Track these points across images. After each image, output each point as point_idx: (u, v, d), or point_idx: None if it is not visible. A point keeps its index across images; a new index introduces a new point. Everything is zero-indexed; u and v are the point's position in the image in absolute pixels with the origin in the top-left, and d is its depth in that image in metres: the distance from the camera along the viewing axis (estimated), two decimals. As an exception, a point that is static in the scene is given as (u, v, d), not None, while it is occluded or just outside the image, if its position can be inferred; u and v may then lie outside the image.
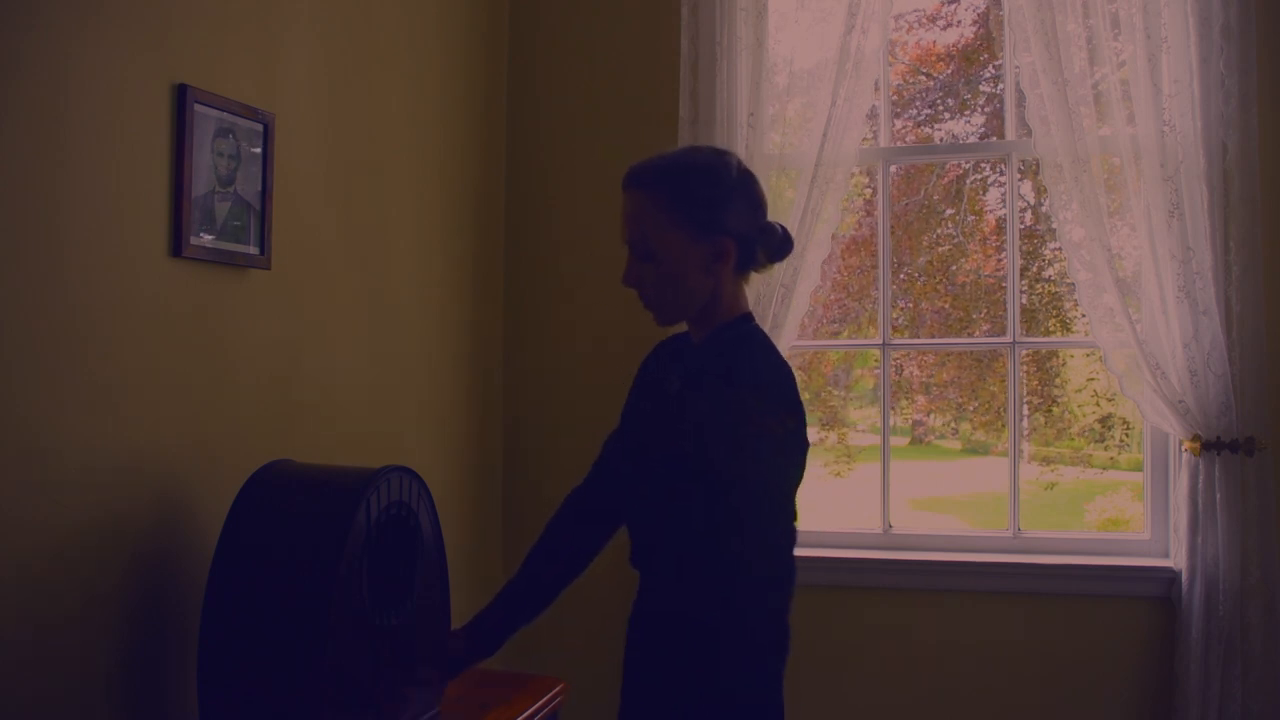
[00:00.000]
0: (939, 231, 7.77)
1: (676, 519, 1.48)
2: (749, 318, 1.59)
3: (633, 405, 1.73)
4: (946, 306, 7.64)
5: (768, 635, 1.48)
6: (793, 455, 1.49)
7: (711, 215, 1.51)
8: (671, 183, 1.52)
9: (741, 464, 1.43)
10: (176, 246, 1.72)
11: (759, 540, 1.45)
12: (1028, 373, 7.61)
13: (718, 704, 1.44)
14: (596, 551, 1.80)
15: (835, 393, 8.09)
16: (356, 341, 2.29)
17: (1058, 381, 7.95)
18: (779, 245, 1.59)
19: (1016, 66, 2.66)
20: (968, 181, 7.64)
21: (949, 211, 7.67)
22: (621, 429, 1.77)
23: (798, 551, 3.03)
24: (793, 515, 1.50)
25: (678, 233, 1.50)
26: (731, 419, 1.43)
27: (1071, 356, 7.67)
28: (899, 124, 7.23)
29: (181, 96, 1.72)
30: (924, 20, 7.48)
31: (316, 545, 1.53)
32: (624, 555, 3.15)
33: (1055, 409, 8.05)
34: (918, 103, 7.66)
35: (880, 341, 2.92)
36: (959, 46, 7.62)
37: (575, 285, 2.98)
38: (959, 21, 7.52)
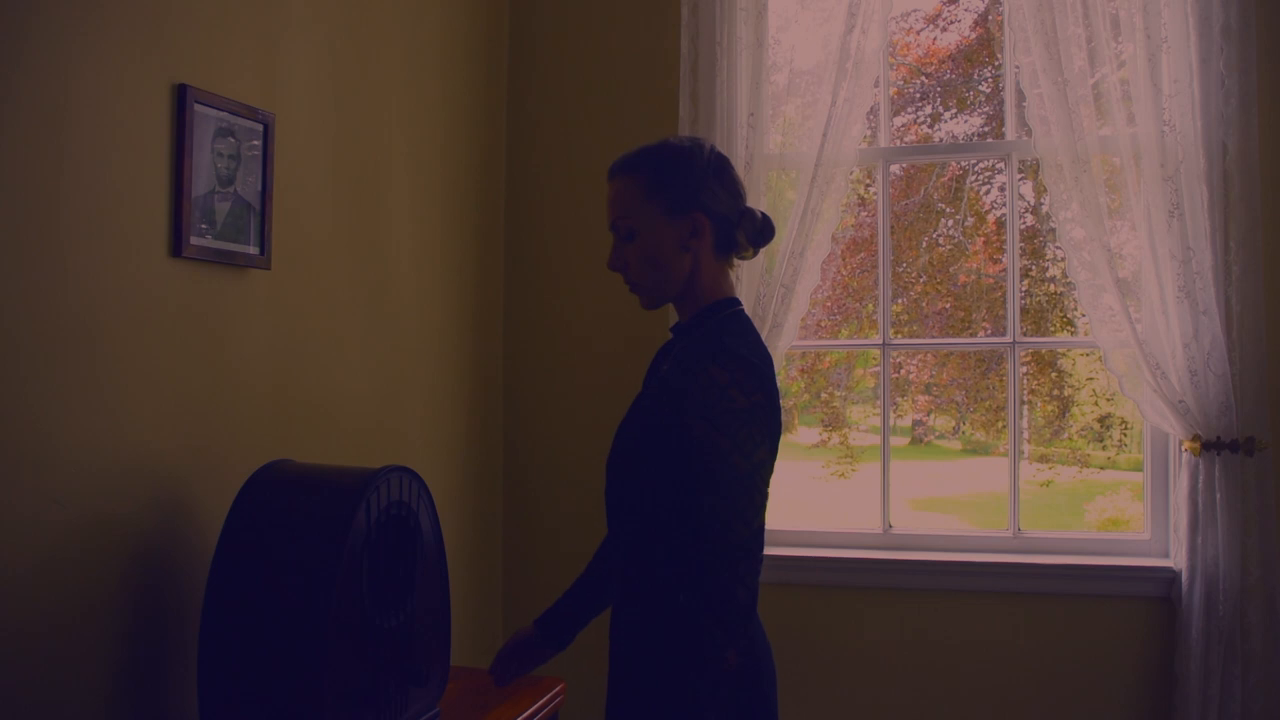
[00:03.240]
0: (939, 231, 7.77)
1: (646, 493, 1.54)
2: (733, 301, 1.64)
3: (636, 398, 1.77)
4: (947, 306, 7.64)
5: (732, 609, 1.43)
6: (761, 429, 1.48)
7: (685, 193, 1.59)
8: (648, 165, 1.62)
9: (714, 435, 1.45)
10: (176, 246, 1.72)
11: (724, 511, 1.43)
12: (1031, 373, 7.62)
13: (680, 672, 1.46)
14: None
15: (835, 393, 8.09)
16: (356, 341, 2.29)
17: (1071, 382, 7.94)
18: (759, 230, 1.65)
19: (1016, 66, 2.66)
20: (968, 181, 7.64)
21: (949, 211, 7.67)
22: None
23: (798, 552, 3.03)
24: (761, 492, 1.47)
25: (654, 210, 1.59)
26: (702, 392, 1.47)
27: (1082, 355, 7.67)
28: (899, 123, 7.23)
29: (181, 96, 1.72)
30: (924, 21, 7.48)
31: (316, 545, 1.53)
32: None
33: (1073, 410, 8.04)
34: (918, 102, 7.65)
35: (880, 341, 2.92)
36: (959, 46, 7.62)
37: (575, 285, 2.98)
38: (959, 22, 7.52)
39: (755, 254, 1.70)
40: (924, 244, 7.63)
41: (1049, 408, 7.94)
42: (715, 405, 1.45)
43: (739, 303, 1.65)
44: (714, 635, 1.41)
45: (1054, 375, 7.78)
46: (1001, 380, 7.53)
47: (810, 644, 2.75)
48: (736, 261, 1.68)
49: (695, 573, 1.44)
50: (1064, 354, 7.71)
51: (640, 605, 1.58)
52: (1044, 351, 7.54)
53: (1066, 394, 7.95)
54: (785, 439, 1.68)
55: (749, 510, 1.44)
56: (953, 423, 9.03)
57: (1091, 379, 7.80)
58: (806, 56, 2.77)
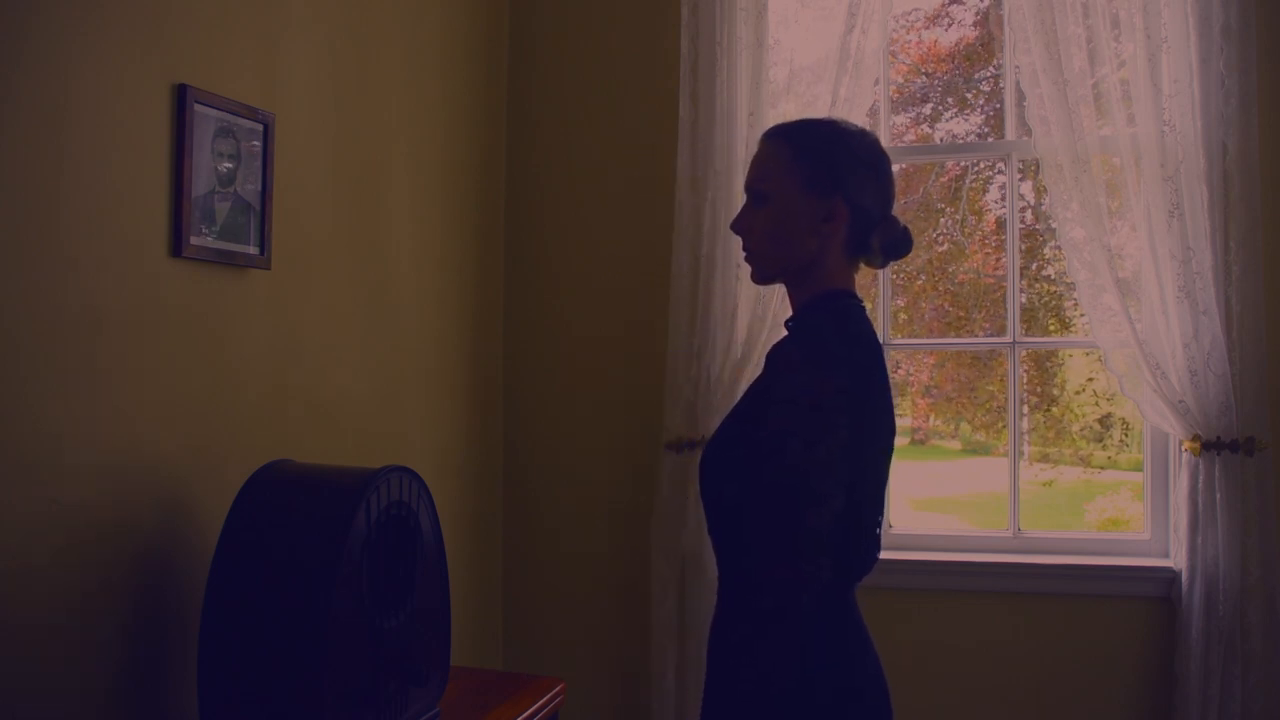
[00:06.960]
0: (938, 231, 7.77)
1: (727, 487, 1.45)
2: (845, 294, 1.54)
3: None
4: (946, 306, 7.65)
5: (777, 613, 1.33)
6: (831, 421, 1.35)
7: (830, 171, 1.50)
8: (801, 133, 1.54)
9: (777, 422, 1.36)
10: (176, 246, 1.72)
11: (772, 500, 1.34)
12: (1026, 372, 7.62)
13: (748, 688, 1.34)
14: None
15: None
16: (356, 341, 2.29)
17: (1057, 382, 7.95)
18: (896, 240, 1.55)
19: (1016, 66, 2.65)
20: (967, 181, 7.64)
21: (948, 210, 7.67)
22: None
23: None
24: (821, 489, 1.34)
25: (794, 179, 1.50)
26: (778, 381, 1.40)
27: (1070, 356, 7.67)
28: (899, 123, 7.23)
29: (181, 96, 1.72)
30: (925, 20, 7.48)
31: (316, 545, 1.53)
32: (621, 556, 3.15)
33: (1055, 409, 8.05)
34: (917, 101, 7.65)
35: (880, 341, 2.91)
36: (959, 46, 7.62)
37: (576, 286, 2.98)
38: (959, 22, 7.52)
39: (884, 265, 1.59)
40: (923, 243, 7.63)
41: (1034, 415, 7.95)
42: (782, 393, 1.37)
43: (852, 295, 1.55)
44: (751, 646, 1.32)
45: (1041, 375, 7.79)
46: (1000, 381, 7.53)
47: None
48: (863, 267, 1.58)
49: (750, 564, 1.36)
50: (1051, 354, 7.71)
51: (722, 605, 1.49)
52: (1036, 351, 7.54)
53: (1051, 393, 7.96)
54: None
55: (797, 504, 1.31)
56: (952, 423, 9.03)
57: (1092, 379, 7.80)
58: (806, 56, 2.77)
